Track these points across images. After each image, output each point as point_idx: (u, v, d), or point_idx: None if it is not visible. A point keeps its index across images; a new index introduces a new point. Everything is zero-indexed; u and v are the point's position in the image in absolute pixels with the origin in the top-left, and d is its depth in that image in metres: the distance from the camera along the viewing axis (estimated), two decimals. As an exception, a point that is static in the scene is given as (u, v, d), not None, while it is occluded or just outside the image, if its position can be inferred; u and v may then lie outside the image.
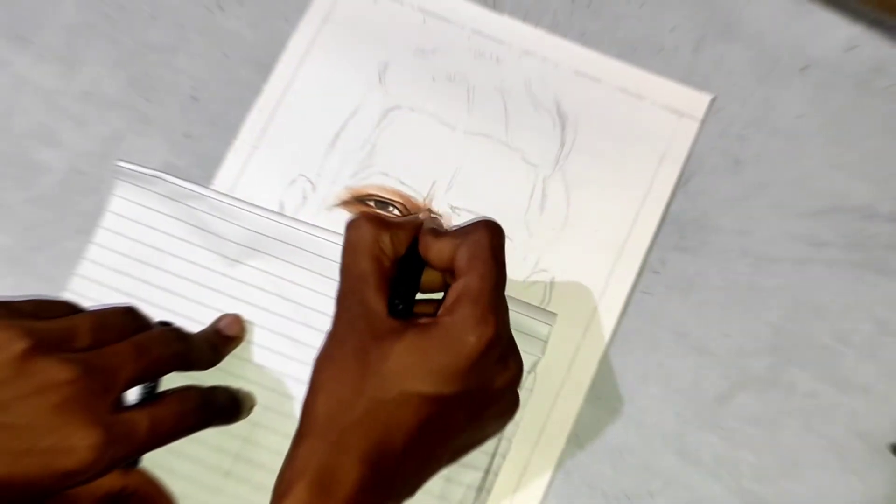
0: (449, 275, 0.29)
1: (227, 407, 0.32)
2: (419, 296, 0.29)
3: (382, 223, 0.28)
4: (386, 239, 0.28)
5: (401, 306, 0.27)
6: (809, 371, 0.35)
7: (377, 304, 0.27)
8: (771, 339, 0.36)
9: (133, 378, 0.27)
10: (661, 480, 0.34)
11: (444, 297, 0.27)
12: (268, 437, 0.34)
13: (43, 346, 0.25)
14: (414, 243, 0.29)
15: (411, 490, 0.27)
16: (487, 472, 0.33)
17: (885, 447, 0.35)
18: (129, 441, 0.26)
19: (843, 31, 0.38)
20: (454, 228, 0.30)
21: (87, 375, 0.25)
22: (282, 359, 0.34)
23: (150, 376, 0.28)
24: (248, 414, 0.33)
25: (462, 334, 0.25)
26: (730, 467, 0.35)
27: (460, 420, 0.26)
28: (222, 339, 0.33)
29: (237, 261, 0.35)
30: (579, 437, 0.35)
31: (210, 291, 0.35)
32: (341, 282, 0.28)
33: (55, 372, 0.25)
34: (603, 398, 0.35)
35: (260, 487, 0.33)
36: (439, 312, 0.26)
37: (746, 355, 0.36)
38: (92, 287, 0.35)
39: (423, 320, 0.26)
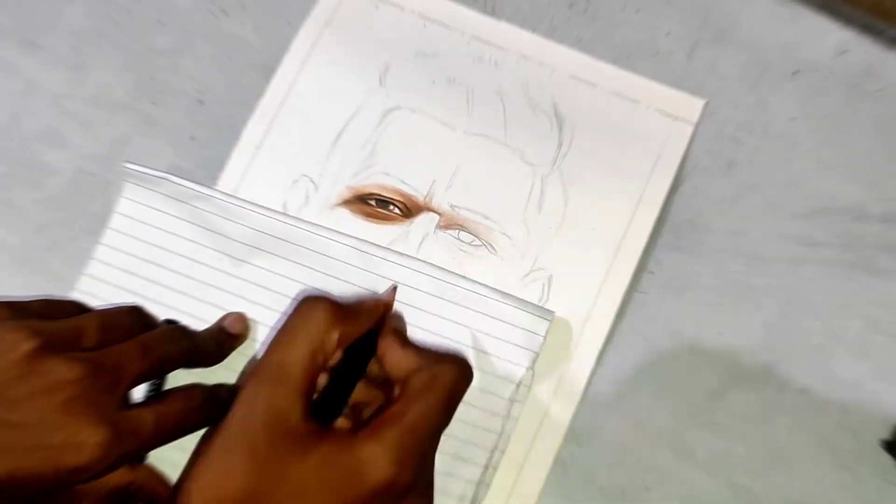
0: (390, 386, 0.27)
1: (230, 404, 0.32)
2: None
3: (339, 318, 0.26)
4: (333, 338, 0.26)
5: (325, 411, 0.25)
6: (801, 369, 0.36)
7: (294, 404, 0.24)
8: (764, 337, 0.36)
9: (139, 376, 0.27)
10: (657, 475, 0.35)
11: (375, 410, 0.25)
12: None
13: (51, 346, 0.25)
14: (368, 334, 0.28)
15: None
16: (486, 467, 0.34)
17: (875, 443, 0.35)
18: (135, 438, 0.26)
19: (834, 35, 0.39)
20: (425, 347, 0.28)
21: (94, 374, 0.25)
22: None
23: (155, 374, 0.28)
24: None
25: (373, 466, 0.23)
26: (723, 462, 0.35)
27: None
28: (226, 336, 0.34)
29: (242, 260, 0.35)
30: (576, 433, 0.35)
31: (215, 290, 0.35)
32: (264, 357, 0.26)
33: (63, 371, 0.25)
34: (600, 395, 0.35)
35: None
36: (362, 432, 0.24)
37: (740, 353, 0.36)
38: (100, 286, 0.35)
39: (342, 432, 0.24)
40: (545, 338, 0.34)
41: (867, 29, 0.39)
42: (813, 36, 0.39)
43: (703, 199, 0.37)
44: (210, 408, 0.30)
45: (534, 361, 0.34)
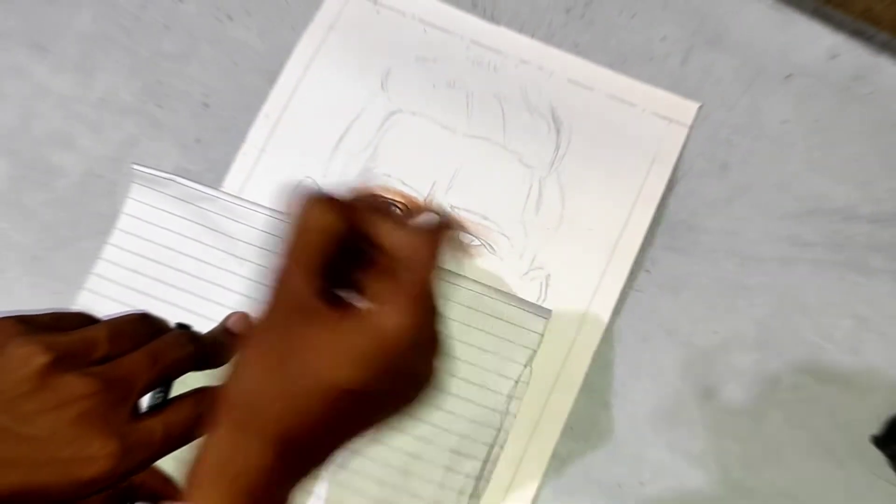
0: (382, 255, 0.27)
1: None
2: None
3: (335, 205, 0.26)
4: (335, 221, 0.26)
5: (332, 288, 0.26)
6: (793, 365, 0.36)
7: (306, 285, 0.25)
8: (756, 335, 0.36)
9: (148, 385, 0.28)
10: (652, 470, 0.35)
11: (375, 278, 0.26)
12: None
13: (62, 361, 0.26)
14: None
15: (321, 466, 0.26)
16: (486, 461, 0.34)
17: (865, 438, 0.35)
18: (145, 449, 0.26)
19: (825, 40, 0.39)
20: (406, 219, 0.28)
21: (104, 388, 0.26)
22: None
23: (164, 381, 0.29)
24: None
25: (380, 318, 0.24)
26: (717, 457, 0.35)
27: (377, 406, 0.26)
28: (231, 337, 0.34)
29: (246, 259, 0.36)
30: (573, 429, 0.35)
31: (220, 288, 0.36)
32: (277, 257, 0.27)
33: (74, 386, 0.25)
34: (596, 391, 0.36)
35: None
36: (368, 294, 0.25)
37: (733, 350, 0.36)
38: (108, 285, 0.36)
39: (352, 304, 0.25)
40: (543, 335, 0.34)
41: (858, 34, 0.39)
42: (805, 41, 0.39)
43: (698, 200, 0.38)
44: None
45: (532, 359, 0.35)
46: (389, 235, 0.26)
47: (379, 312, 0.24)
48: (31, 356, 0.25)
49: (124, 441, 0.26)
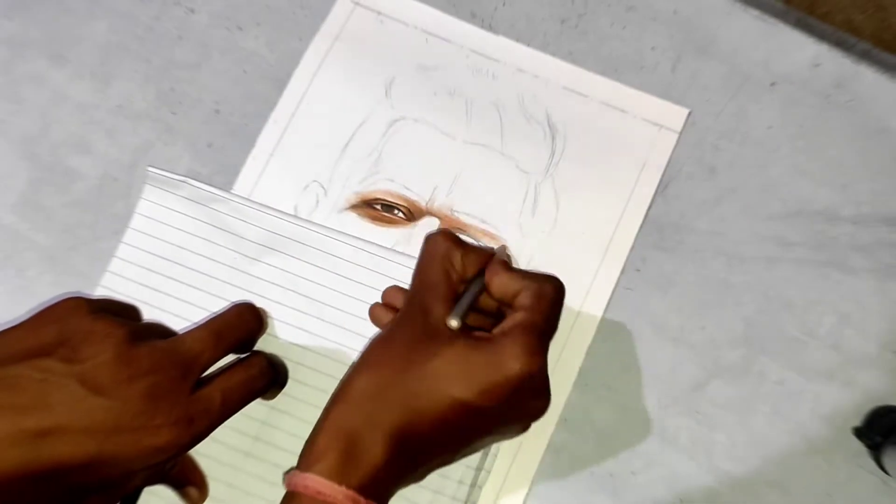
0: (505, 307, 0.30)
1: (283, 372, 0.33)
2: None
3: (458, 243, 0.30)
4: (458, 257, 0.29)
5: (457, 320, 0.28)
6: (778, 360, 0.37)
7: (438, 310, 0.28)
8: (743, 331, 0.37)
9: (211, 361, 0.29)
10: (643, 460, 0.35)
11: (497, 323, 0.28)
12: (284, 420, 0.35)
13: (136, 335, 0.27)
14: (482, 270, 0.30)
15: (423, 475, 0.28)
16: (485, 453, 0.34)
17: (847, 430, 0.36)
18: (206, 417, 0.28)
19: (809, 50, 0.40)
20: (525, 271, 0.31)
21: (172, 363, 0.27)
22: (297, 349, 0.36)
23: (223, 356, 0.30)
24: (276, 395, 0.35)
25: (510, 359, 0.26)
26: (705, 448, 0.36)
27: (486, 428, 0.27)
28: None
29: (256, 259, 0.36)
30: (568, 421, 0.36)
31: (230, 287, 0.36)
32: (412, 284, 0.30)
33: (146, 359, 0.26)
34: (590, 385, 0.36)
35: (278, 466, 0.35)
36: (494, 331, 0.27)
37: (720, 346, 0.37)
38: (123, 282, 0.36)
39: (478, 334, 0.27)
40: None
41: (839, 44, 0.40)
42: (789, 50, 0.40)
43: (686, 202, 0.38)
44: (269, 375, 0.31)
45: None
46: (511, 283, 0.29)
47: (508, 354, 0.26)
48: (111, 330, 0.27)
49: (188, 411, 0.27)
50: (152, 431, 0.26)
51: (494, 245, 0.38)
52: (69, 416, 0.25)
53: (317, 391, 0.35)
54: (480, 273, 0.30)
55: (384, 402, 0.26)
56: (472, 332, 0.28)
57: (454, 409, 0.26)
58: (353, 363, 0.28)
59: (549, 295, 0.28)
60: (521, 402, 0.27)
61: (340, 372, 0.35)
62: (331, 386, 0.35)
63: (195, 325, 0.30)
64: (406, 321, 0.28)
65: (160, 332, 0.29)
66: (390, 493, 0.26)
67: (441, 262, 0.29)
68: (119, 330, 0.27)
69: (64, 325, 0.27)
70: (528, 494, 0.35)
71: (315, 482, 0.24)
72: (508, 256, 0.33)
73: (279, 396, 0.35)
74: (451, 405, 0.26)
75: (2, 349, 0.26)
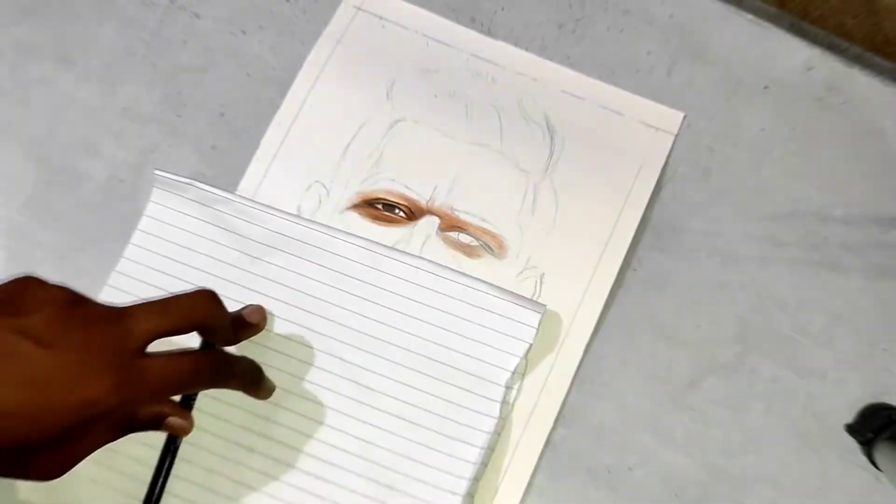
0: None
1: (246, 372, 0.33)
2: None
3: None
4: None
5: None
6: (771, 358, 0.37)
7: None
8: (737, 329, 0.37)
9: (156, 334, 0.28)
10: (639, 456, 0.36)
11: None
12: (287, 416, 0.35)
13: (81, 300, 0.28)
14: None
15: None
16: (484, 448, 0.35)
17: (839, 427, 0.36)
18: (136, 386, 0.27)
19: (801, 53, 0.40)
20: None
21: (111, 323, 0.27)
22: (299, 346, 0.36)
23: (173, 333, 0.29)
24: (269, 395, 0.35)
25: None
26: (700, 444, 0.36)
27: None
28: (244, 324, 0.34)
29: (260, 258, 0.37)
30: (566, 417, 0.36)
31: (235, 286, 0.36)
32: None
33: (86, 317, 0.27)
34: (587, 382, 0.37)
35: (280, 461, 0.35)
36: None
37: (715, 344, 0.37)
38: (130, 282, 0.37)
39: None
40: (538, 329, 0.35)
41: (831, 48, 0.40)
42: (782, 54, 0.40)
43: (682, 203, 0.39)
44: (218, 372, 0.31)
45: (527, 351, 0.35)
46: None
47: None
48: (56, 292, 0.27)
49: (120, 372, 0.27)
50: (85, 384, 0.26)
51: (495, 245, 0.38)
52: (3, 365, 0.25)
53: (320, 388, 0.36)
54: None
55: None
56: None
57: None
58: None
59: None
60: None
61: (343, 369, 0.36)
62: (333, 383, 0.36)
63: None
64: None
65: (108, 305, 0.29)
66: None
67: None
68: (64, 293, 0.27)
69: (13, 290, 0.27)
70: (527, 489, 0.35)
71: None
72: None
73: (284, 393, 0.36)
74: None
75: None
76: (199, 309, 0.30)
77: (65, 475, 0.28)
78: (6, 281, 0.28)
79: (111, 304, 0.29)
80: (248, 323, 0.35)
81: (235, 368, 0.32)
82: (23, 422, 0.26)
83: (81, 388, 0.26)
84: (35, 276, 0.28)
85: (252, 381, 0.34)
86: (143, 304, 0.29)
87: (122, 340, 0.27)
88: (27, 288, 0.27)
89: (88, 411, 0.27)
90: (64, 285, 0.28)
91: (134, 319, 0.28)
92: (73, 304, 0.27)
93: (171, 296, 0.30)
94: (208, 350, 0.31)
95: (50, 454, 0.27)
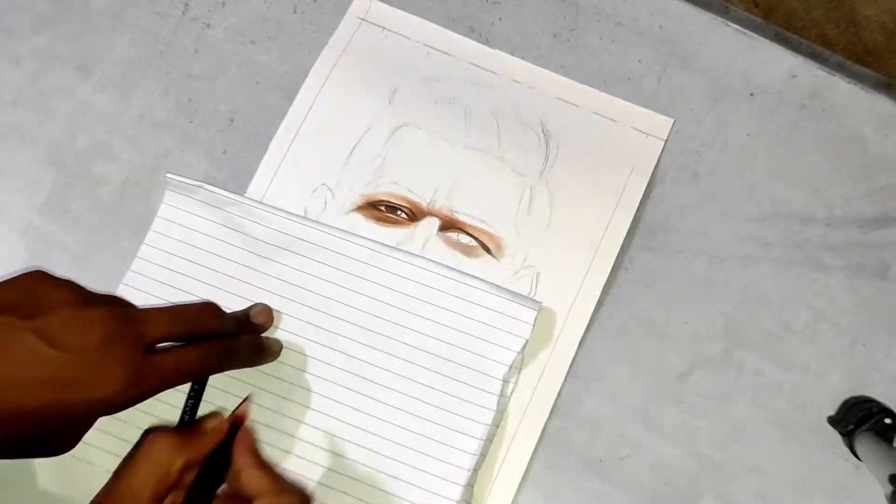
0: (245, 500, 0.29)
1: (248, 348, 0.33)
2: None
3: (180, 442, 0.29)
4: (178, 462, 0.28)
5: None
6: (756, 353, 0.37)
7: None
8: (723, 325, 0.38)
9: (167, 336, 0.29)
10: (630, 446, 0.36)
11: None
12: (293, 409, 0.36)
13: (94, 298, 0.28)
14: (222, 447, 0.30)
15: None
16: (483, 440, 0.35)
17: (822, 419, 0.37)
18: (157, 376, 0.28)
19: (785, 62, 0.41)
20: (275, 471, 0.31)
21: (126, 322, 0.28)
22: (306, 342, 0.37)
23: (182, 338, 0.30)
24: (277, 356, 0.35)
25: None
26: (688, 435, 0.36)
27: None
28: (250, 324, 0.35)
29: (268, 258, 0.37)
30: (560, 410, 0.37)
31: (244, 284, 0.37)
32: (110, 485, 0.29)
33: (101, 317, 0.27)
34: (581, 376, 0.37)
35: (287, 453, 0.36)
36: None
37: (702, 340, 0.38)
38: (144, 281, 0.37)
39: None
40: (534, 325, 0.36)
41: (814, 57, 0.41)
42: (767, 63, 0.41)
43: (671, 205, 0.39)
44: (223, 356, 0.32)
45: (524, 347, 0.36)
46: (255, 483, 0.29)
47: None
48: (70, 292, 0.28)
49: (138, 368, 0.27)
50: (99, 384, 0.26)
51: (493, 245, 0.39)
52: (26, 367, 0.25)
53: (325, 382, 0.37)
54: (219, 464, 0.30)
55: None
56: None
57: None
58: None
59: (293, 493, 0.29)
60: None
61: (348, 364, 0.37)
62: (338, 377, 0.37)
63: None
64: None
65: (120, 301, 0.30)
66: None
67: (152, 469, 0.28)
68: (75, 293, 0.28)
69: (26, 289, 0.27)
70: (523, 478, 0.36)
71: None
72: (253, 436, 0.32)
73: (290, 387, 0.36)
74: None
75: None
76: (204, 319, 0.31)
77: (80, 463, 0.28)
78: (15, 276, 0.28)
79: (119, 298, 0.30)
80: (254, 323, 0.35)
81: (238, 348, 0.33)
82: (43, 418, 0.26)
83: (97, 388, 0.27)
84: (43, 270, 0.28)
85: (256, 354, 0.34)
86: (153, 309, 0.29)
87: (134, 343, 0.28)
88: (38, 286, 0.28)
89: (104, 409, 0.27)
90: (72, 282, 0.28)
91: (144, 324, 0.28)
92: (86, 305, 0.27)
93: (179, 304, 0.31)
94: (210, 340, 0.32)
95: (63, 436, 0.28)
